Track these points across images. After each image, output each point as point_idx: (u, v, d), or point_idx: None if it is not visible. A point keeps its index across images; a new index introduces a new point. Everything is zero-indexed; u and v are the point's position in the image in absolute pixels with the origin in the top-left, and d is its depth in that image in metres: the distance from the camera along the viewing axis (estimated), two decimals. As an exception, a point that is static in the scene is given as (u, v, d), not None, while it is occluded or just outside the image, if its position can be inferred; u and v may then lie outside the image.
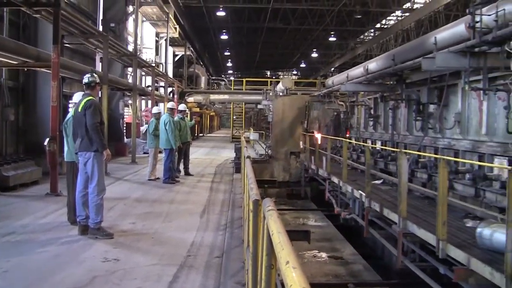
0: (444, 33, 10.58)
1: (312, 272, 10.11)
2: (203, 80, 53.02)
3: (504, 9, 7.88)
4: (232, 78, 74.85)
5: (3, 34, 15.38)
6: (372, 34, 51.31)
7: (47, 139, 13.08)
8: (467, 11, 8.99)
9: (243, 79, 55.02)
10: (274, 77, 70.09)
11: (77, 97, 10.06)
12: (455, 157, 10.42)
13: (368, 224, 10.50)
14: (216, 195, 14.42)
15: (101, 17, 26.22)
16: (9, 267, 7.16)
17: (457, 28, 9.55)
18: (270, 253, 2.74)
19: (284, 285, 1.87)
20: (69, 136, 9.72)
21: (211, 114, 74.47)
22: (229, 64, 78.57)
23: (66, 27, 16.55)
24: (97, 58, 23.31)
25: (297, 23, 43.50)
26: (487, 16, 8.41)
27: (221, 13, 40.56)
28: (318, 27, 44.43)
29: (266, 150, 25.69)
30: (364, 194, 10.61)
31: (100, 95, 18.77)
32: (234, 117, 56.86)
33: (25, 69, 16.75)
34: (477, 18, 8.50)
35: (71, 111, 10.13)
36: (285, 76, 78.91)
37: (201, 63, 59.30)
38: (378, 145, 15.29)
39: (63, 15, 14.64)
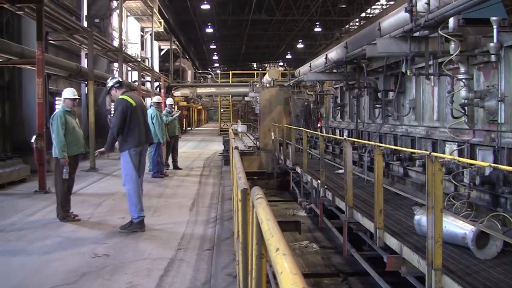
0: (391, 19, 10.57)
1: (304, 262, 10.11)
2: (189, 74, 52.89)
3: None
4: (218, 71, 74.72)
5: (-14, 32, 15.26)
6: (357, 24, 51.32)
7: (34, 136, 13.01)
8: None
9: (230, 72, 54.96)
10: (260, 69, 70.06)
11: (68, 92, 10.06)
12: (411, 144, 10.48)
13: (323, 213, 10.63)
14: (205, 188, 14.39)
15: (85, 13, 26.04)
16: (-2, 265, 7.12)
17: (402, 14, 9.49)
18: (260, 242, 2.72)
19: (275, 272, 1.85)
20: (53, 132, 9.67)
21: (199, 107, 74.31)
22: (215, 57, 78.40)
23: (50, 23, 16.46)
24: (82, 54, 23.21)
25: (281, 15, 43.43)
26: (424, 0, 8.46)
27: (205, 6, 40.42)
28: (303, 18, 44.40)
29: (255, 142, 25.68)
30: (319, 183, 10.70)
31: (86, 91, 18.73)
32: (222, 110, 56.85)
33: (12, 67, 16.60)
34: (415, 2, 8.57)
35: (60, 107, 10.08)
36: (271, 68, 78.85)
37: (187, 57, 59.13)
38: (345, 135, 15.43)
39: (47, 11, 14.55)
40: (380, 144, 8.04)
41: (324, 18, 45.15)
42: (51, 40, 19.42)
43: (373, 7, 46.20)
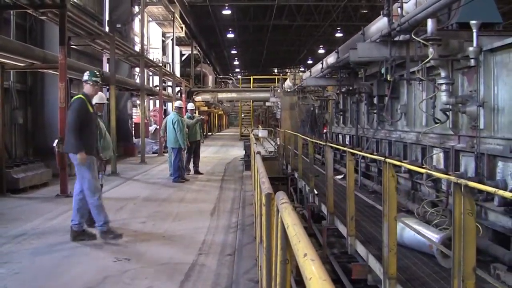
0: (378, 23, 10.57)
1: (326, 268, 10.03)
2: (210, 79, 53.05)
3: None
4: (239, 76, 74.83)
5: (10, 37, 15.37)
6: (379, 29, 51.07)
7: (56, 141, 13.03)
8: None
9: (251, 77, 54.97)
10: (281, 74, 70.02)
11: (96, 97, 9.98)
12: (404, 150, 10.40)
13: (318, 219, 10.66)
14: (226, 193, 14.36)
15: (107, 18, 26.23)
16: (20, 268, 7.13)
17: (385, 18, 9.47)
18: (285, 247, 2.68)
19: (303, 278, 1.80)
20: None
21: (219, 113, 74.48)
22: (236, 63, 78.48)
23: (72, 28, 16.55)
24: (104, 59, 23.36)
25: (303, 20, 43.34)
26: (404, 4, 8.50)
27: (226, 12, 40.46)
28: (324, 23, 44.22)
29: (275, 147, 25.67)
30: (309, 189, 10.75)
31: (108, 96, 18.81)
32: (243, 115, 56.89)
33: (34, 71, 16.72)
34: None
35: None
36: (292, 73, 78.64)
37: (208, 62, 59.29)
38: (347, 140, 15.52)
39: (69, 16, 14.62)
40: (352, 150, 8.05)
41: (345, 23, 44.95)
42: (74, 45, 19.54)
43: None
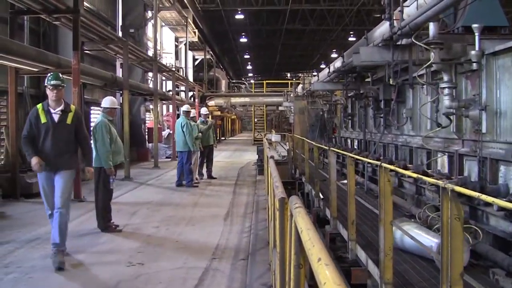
0: (382, 28, 10.53)
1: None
2: (223, 83, 53.12)
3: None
4: (252, 81, 74.86)
5: (24, 42, 15.42)
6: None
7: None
8: (382, 2, 9.10)
9: (264, 82, 54.99)
10: (294, 79, 70.04)
11: (107, 101, 10.00)
12: (410, 154, 10.34)
13: (316, 222, 10.63)
14: (239, 197, 14.33)
15: (120, 23, 26.34)
16: (34, 272, 7.14)
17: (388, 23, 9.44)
18: (299, 251, 2.65)
19: (317, 283, 1.77)
20: (98, 141, 9.57)
21: (232, 117, 74.46)
22: (249, 67, 78.58)
23: (86, 33, 16.61)
24: (117, 63, 23.44)
25: (316, 24, 43.28)
26: (407, 8, 8.49)
27: (239, 16, 40.49)
28: (337, 27, 44.16)
29: (288, 152, 25.68)
30: (314, 193, 10.73)
31: (121, 101, 18.85)
32: (256, 119, 56.87)
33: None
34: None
35: (100, 117, 9.96)
36: (305, 78, 78.58)
37: (221, 67, 59.35)
38: (355, 144, 15.70)
39: (83, 21, 14.67)
40: (351, 155, 8.00)
41: (358, 27, 44.84)
42: (87, 50, 19.62)
43: (408, 16, 45.79)
